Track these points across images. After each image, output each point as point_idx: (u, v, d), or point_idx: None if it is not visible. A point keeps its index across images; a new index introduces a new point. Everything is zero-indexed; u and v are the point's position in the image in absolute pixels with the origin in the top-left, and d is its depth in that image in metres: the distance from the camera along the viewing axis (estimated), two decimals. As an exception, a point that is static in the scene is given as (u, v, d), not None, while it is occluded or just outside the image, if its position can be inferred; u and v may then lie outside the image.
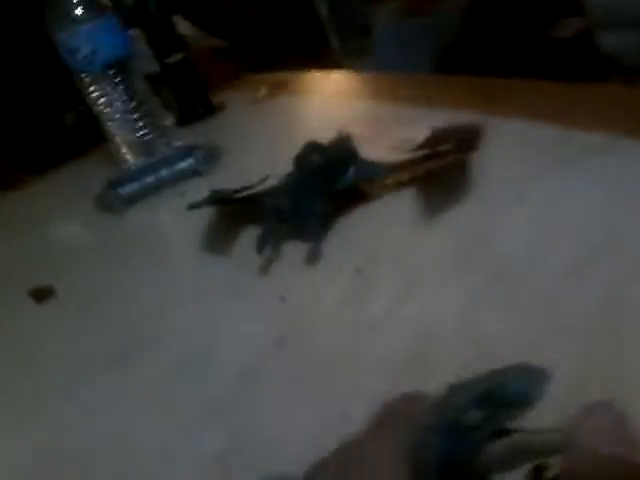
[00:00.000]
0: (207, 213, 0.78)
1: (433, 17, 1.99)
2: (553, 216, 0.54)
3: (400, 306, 0.50)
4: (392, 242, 0.60)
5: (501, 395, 0.24)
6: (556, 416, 0.25)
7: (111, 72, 0.97)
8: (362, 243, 0.62)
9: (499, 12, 1.87)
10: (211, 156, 0.98)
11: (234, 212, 0.76)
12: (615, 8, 1.57)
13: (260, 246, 0.62)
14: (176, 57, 1.19)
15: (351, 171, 0.69)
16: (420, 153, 0.69)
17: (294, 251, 0.64)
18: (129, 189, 0.96)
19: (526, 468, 0.25)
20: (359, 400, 0.43)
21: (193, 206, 0.73)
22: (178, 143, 1.03)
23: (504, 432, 0.24)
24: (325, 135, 0.74)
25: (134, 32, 1.20)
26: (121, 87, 0.99)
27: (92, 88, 0.98)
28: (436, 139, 0.60)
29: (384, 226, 0.63)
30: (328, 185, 0.67)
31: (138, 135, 1.01)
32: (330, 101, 1.09)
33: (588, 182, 0.56)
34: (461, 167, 0.65)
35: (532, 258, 0.49)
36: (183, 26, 2.10)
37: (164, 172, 0.97)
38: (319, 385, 0.46)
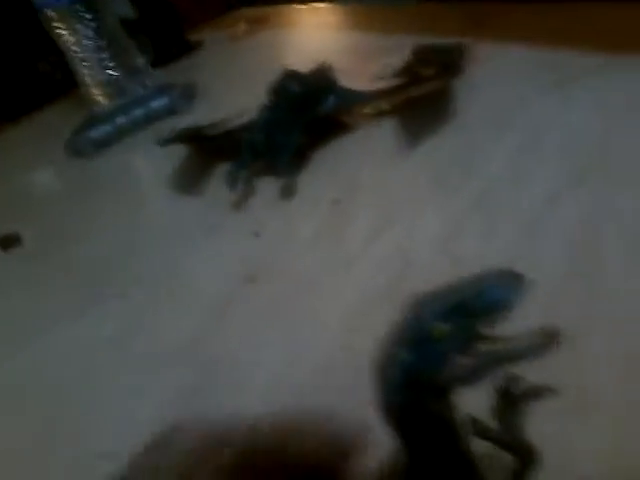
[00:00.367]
0: (181, 152, 0.74)
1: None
2: (538, 140, 0.50)
3: (379, 235, 0.48)
4: (371, 172, 0.57)
5: (475, 304, 0.22)
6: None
7: (77, 7, 0.91)
8: (340, 174, 0.59)
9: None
10: (187, 94, 0.94)
11: (208, 149, 0.72)
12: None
13: (231, 182, 0.59)
14: (149, -8, 1.13)
15: (330, 99, 0.65)
16: (402, 80, 0.65)
17: (270, 186, 0.61)
18: (100, 132, 0.92)
19: (493, 381, 0.23)
20: (333, 334, 0.41)
21: (163, 142, 0.69)
22: (152, 83, 0.98)
23: (475, 341, 0.22)
24: (305, 67, 0.70)
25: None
26: (90, 24, 0.93)
27: (59, 24, 0.93)
28: (418, 60, 0.56)
29: (363, 156, 0.60)
30: (306, 114, 0.63)
31: (110, 75, 0.97)
32: (311, 34, 1.04)
33: (576, 104, 0.53)
34: (444, 94, 0.61)
35: (515, 182, 0.46)
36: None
37: (137, 112, 0.92)
38: (291, 321, 0.43)
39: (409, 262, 0.43)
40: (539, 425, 0.28)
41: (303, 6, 1.19)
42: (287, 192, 0.59)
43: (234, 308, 0.47)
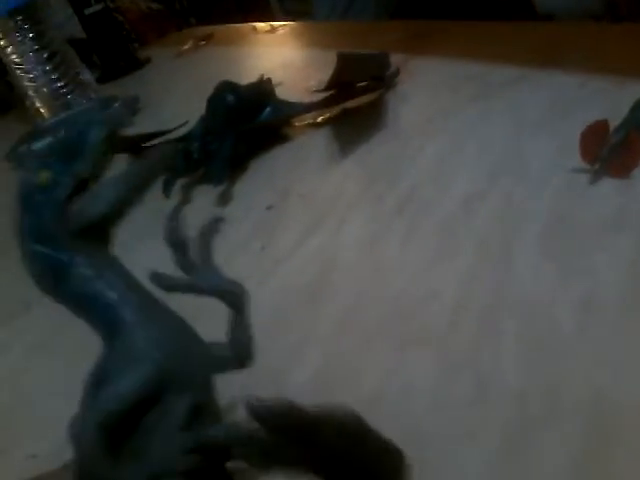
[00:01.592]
0: (121, 163, 0.74)
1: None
2: (459, 149, 0.53)
3: (306, 239, 0.49)
4: (304, 180, 0.59)
5: (74, 145, 0.22)
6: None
7: (18, 19, 0.91)
8: (275, 182, 0.60)
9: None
10: (130, 108, 0.94)
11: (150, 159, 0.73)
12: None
13: (166, 190, 0.60)
14: (95, 7, 1.13)
15: (267, 111, 0.67)
16: (336, 92, 0.67)
17: (206, 195, 0.62)
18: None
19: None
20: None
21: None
22: (96, 96, 0.98)
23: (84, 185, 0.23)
24: (245, 81, 0.72)
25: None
26: (31, 35, 0.93)
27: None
28: (346, 68, 0.58)
29: (297, 165, 0.62)
30: (242, 125, 0.65)
31: (53, 88, 0.96)
32: (254, 51, 1.06)
33: (497, 114, 0.56)
34: (376, 105, 0.64)
35: (435, 189, 0.48)
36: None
37: (80, 125, 0.92)
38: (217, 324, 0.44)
39: (333, 264, 0.45)
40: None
41: (249, 25, 1.21)
42: (223, 199, 0.60)
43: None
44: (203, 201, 0.61)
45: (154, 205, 0.61)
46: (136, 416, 0.21)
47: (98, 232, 0.23)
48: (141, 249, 0.52)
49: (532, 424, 0.29)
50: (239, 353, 0.25)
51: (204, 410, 0.22)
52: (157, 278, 0.25)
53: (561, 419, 0.29)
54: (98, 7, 1.13)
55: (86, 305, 0.23)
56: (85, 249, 0.23)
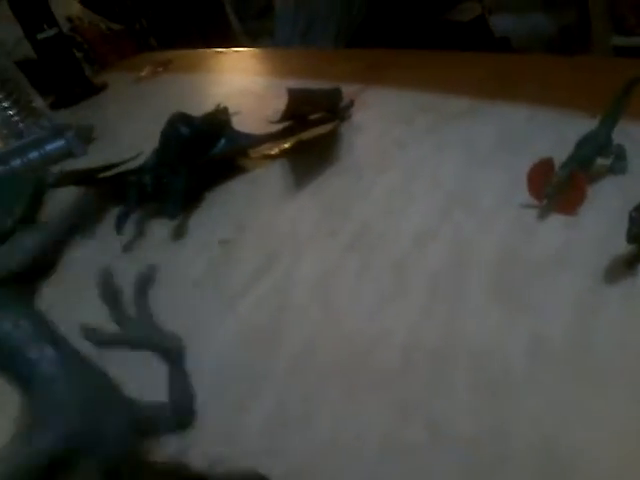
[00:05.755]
0: (73, 195, 0.73)
1: (335, -2, 1.98)
2: (412, 182, 0.53)
3: (260, 276, 0.48)
4: (258, 214, 0.58)
5: None
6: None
7: (-33, 47, 0.89)
8: (230, 216, 0.60)
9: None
10: (84, 137, 0.93)
11: (102, 192, 0.72)
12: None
13: (118, 226, 0.59)
14: (48, 32, 1.11)
15: (222, 142, 0.66)
16: (292, 123, 0.67)
17: (160, 229, 0.61)
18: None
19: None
20: (210, 376, 0.41)
21: (51, 185, 0.68)
22: (50, 124, 0.96)
23: None
24: (205, 111, 0.71)
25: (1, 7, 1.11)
26: (-19, 64, 0.91)
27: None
28: (297, 102, 0.58)
29: (253, 198, 0.61)
30: (196, 157, 0.64)
31: (4, 117, 0.95)
32: (216, 78, 1.05)
33: (449, 147, 0.56)
34: (331, 137, 0.64)
35: (387, 224, 0.49)
36: (75, 7, 2.00)
37: (32, 155, 0.90)
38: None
39: (286, 303, 0.44)
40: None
41: (208, 50, 1.21)
42: (177, 234, 0.59)
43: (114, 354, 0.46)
44: (157, 235, 0.60)
45: (86, 254, 0.61)
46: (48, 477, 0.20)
47: (20, 283, 0.22)
48: (73, 301, 0.50)
49: (483, 469, 0.29)
50: (178, 413, 0.25)
51: (121, 474, 0.22)
52: (88, 333, 0.24)
53: (512, 465, 0.29)
54: (51, 32, 1.12)
55: (1, 358, 0.22)
56: (4, 301, 0.22)
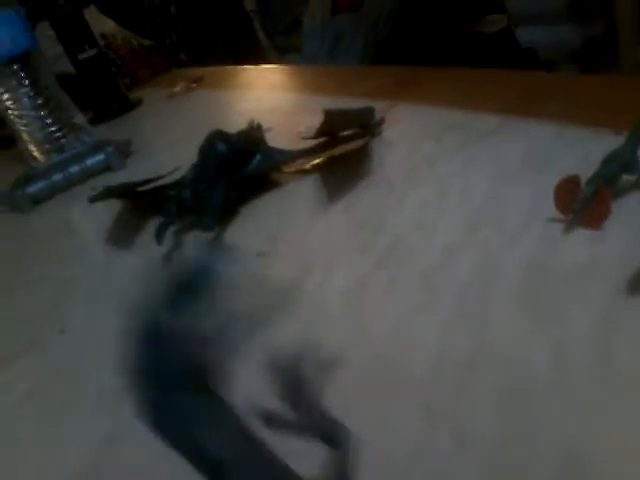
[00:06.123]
0: (115, 209, 0.76)
1: (362, 13, 2.01)
2: (441, 198, 0.55)
3: (294, 288, 0.51)
4: (293, 228, 0.61)
5: (190, 278, 0.22)
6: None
7: (15, 66, 0.94)
8: (265, 229, 0.62)
9: (427, 8, 1.90)
10: (123, 151, 0.96)
11: (142, 206, 0.75)
12: (530, 5, 1.63)
13: (158, 237, 0.61)
14: (89, 53, 1.16)
15: (257, 158, 0.69)
16: (324, 139, 0.69)
17: (198, 241, 0.64)
18: (36, 188, 0.93)
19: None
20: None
21: (94, 199, 0.71)
22: (90, 139, 1.00)
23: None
24: (238, 127, 0.74)
25: (43, 26, 1.16)
26: (27, 82, 0.96)
27: (-5, 83, 0.95)
28: (332, 122, 0.60)
29: (287, 212, 0.64)
30: (233, 173, 0.67)
31: (47, 133, 0.99)
32: (244, 94, 1.09)
33: (478, 164, 0.58)
34: (362, 152, 0.66)
35: (417, 238, 0.50)
36: (108, 25, 2.06)
37: (73, 169, 0.94)
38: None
39: (319, 314, 0.47)
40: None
41: (239, 67, 1.24)
42: (214, 246, 0.61)
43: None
44: (195, 247, 0.63)
45: (126, 264, 0.63)
46: None
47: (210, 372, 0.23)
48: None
49: (507, 473, 0.31)
50: None
51: None
52: (261, 413, 0.24)
53: (534, 468, 0.31)
54: (92, 52, 1.16)
55: (186, 450, 0.22)
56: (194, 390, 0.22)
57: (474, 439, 0.33)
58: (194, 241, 0.23)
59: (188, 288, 0.22)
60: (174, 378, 0.21)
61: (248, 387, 0.24)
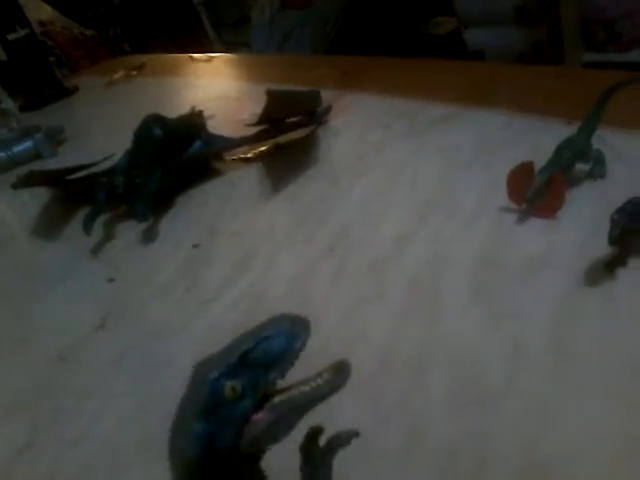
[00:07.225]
0: (43, 197, 0.71)
1: (311, 10, 1.99)
2: (390, 186, 0.52)
3: (234, 278, 0.47)
4: (232, 217, 0.57)
5: (259, 355, 0.21)
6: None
7: None
8: (203, 219, 0.58)
9: (378, 8, 1.90)
10: (54, 138, 0.90)
11: (72, 194, 0.70)
12: (478, 8, 1.64)
13: (86, 226, 0.57)
14: (19, 32, 1.09)
15: (197, 144, 0.65)
16: (269, 127, 0.66)
17: (131, 230, 0.59)
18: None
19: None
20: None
21: (16, 185, 0.66)
22: (17, 126, 0.94)
23: (270, 394, 0.21)
24: (178, 114, 0.70)
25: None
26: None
27: None
28: (276, 104, 0.57)
29: (227, 201, 0.60)
30: (170, 159, 0.62)
31: (-28, 117, 0.92)
32: (191, 82, 1.04)
33: (427, 151, 0.56)
34: (308, 141, 0.63)
35: (366, 227, 0.48)
36: (46, 11, 1.97)
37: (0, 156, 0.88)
38: (139, 367, 0.42)
39: (260, 306, 0.43)
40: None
41: (183, 55, 1.19)
42: (147, 236, 0.57)
43: (81, 356, 0.45)
44: (126, 238, 0.58)
45: (55, 255, 0.59)
46: None
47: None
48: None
49: (462, 474, 0.28)
50: None
51: None
52: None
53: (491, 469, 0.28)
54: (22, 33, 1.09)
55: None
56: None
57: (426, 439, 0.30)
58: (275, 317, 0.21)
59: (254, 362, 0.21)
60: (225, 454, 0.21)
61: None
